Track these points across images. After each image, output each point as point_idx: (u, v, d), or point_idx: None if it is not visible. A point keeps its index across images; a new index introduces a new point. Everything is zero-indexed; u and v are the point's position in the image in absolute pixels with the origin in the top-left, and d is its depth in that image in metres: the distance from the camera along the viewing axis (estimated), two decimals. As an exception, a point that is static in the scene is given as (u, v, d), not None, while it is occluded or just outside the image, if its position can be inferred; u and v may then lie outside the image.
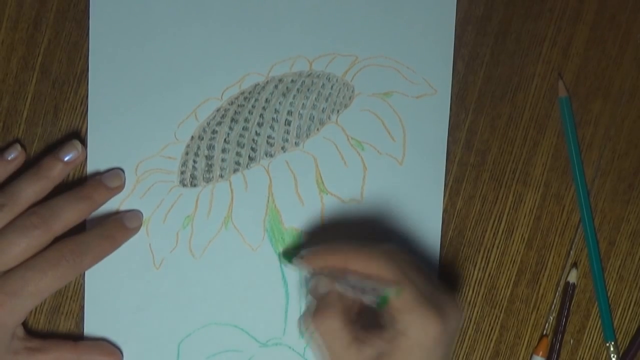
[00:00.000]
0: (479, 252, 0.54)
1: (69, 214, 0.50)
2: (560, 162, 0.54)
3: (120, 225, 0.52)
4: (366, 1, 0.53)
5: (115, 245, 0.51)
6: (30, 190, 0.50)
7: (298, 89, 0.53)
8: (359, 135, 0.53)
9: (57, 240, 0.50)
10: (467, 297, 0.54)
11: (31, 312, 0.53)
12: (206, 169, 0.53)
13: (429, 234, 0.53)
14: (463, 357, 0.54)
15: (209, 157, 0.53)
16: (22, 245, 0.48)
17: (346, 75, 0.53)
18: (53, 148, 0.52)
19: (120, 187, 0.52)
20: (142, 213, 0.53)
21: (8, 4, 0.53)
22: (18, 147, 0.52)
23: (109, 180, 0.52)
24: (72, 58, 0.53)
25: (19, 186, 0.50)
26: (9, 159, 0.51)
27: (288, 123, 0.53)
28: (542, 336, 0.54)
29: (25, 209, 0.50)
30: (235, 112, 0.53)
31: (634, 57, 0.54)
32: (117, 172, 0.52)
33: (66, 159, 0.51)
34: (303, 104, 0.53)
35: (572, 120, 0.53)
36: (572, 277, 0.53)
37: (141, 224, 0.53)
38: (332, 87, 0.53)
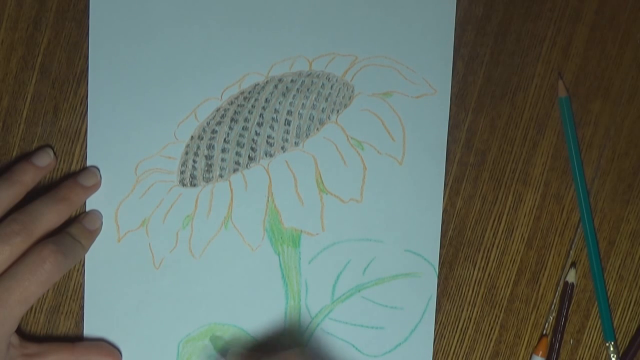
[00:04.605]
0: (479, 252, 0.54)
1: (48, 217, 0.50)
2: (560, 162, 0.54)
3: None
4: (366, 1, 0.53)
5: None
6: (4, 195, 0.49)
7: (298, 89, 0.53)
8: (358, 135, 0.53)
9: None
10: (467, 297, 0.54)
11: (30, 312, 0.53)
12: (206, 168, 0.53)
13: (429, 234, 0.53)
14: (463, 357, 0.54)
15: (208, 157, 0.53)
16: (5, 254, 0.48)
17: (346, 75, 0.53)
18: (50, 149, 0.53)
19: (97, 185, 0.52)
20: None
21: (8, 4, 0.53)
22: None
23: (85, 179, 0.52)
24: (72, 58, 0.53)
25: None
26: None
27: (288, 123, 0.53)
28: (542, 336, 0.54)
29: (1, 215, 0.49)
30: (235, 112, 0.53)
31: (634, 57, 0.54)
32: (92, 170, 0.52)
33: (39, 164, 0.51)
34: (303, 103, 0.53)
35: (572, 120, 0.53)
36: (571, 277, 0.53)
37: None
38: (331, 87, 0.53)
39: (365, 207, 0.53)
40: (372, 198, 0.53)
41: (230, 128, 0.53)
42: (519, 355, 0.54)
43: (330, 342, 0.53)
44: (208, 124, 0.53)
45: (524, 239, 0.54)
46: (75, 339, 0.53)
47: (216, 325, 0.53)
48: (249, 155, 0.53)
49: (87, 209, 0.53)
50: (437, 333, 0.54)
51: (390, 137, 0.53)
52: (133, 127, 0.53)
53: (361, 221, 0.53)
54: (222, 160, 0.53)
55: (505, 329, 0.54)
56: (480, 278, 0.54)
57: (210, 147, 0.53)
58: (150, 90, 0.53)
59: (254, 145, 0.53)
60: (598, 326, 0.54)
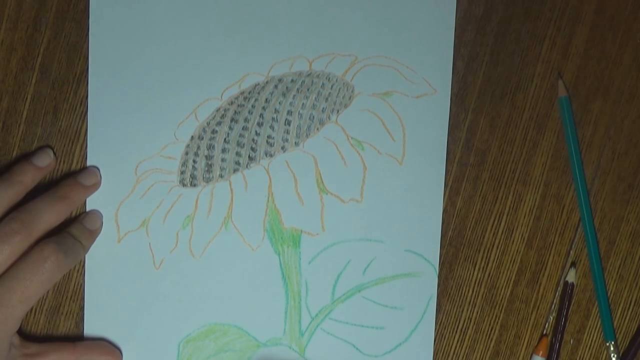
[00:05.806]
0: (479, 252, 0.54)
1: (48, 216, 0.49)
2: (560, 162, 0.54)
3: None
4: (366, 1, 0.53)
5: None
6: (4, 196, 0.49)
7: (298, 89, 0.53)
8: (358, 135, 0.53)
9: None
10: (467, 297, 0.54)
11: (30, 312, 0.53)
12: (206, 169, 0.53)
13: (429, 234, 0.53)
14: (463, 357, 0.54)
15: (208, 157, 0.53)
16: (5, 253, 0.48)
17: (346, 75, 0.53)
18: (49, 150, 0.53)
19: (97, 185, 0.52)
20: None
21: (8, 4, 0.53)
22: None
23: (85, 178, 0.52)
24: (71, 58, 0.53)
25: None
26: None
27: (288, 123, 0.53)
28: (542, 336, 0.54)
29: (1, 215, 0.49)
30: (235, 112, 0.53)
31: (634, 57, 0.54)
32: (92, 170, 0.52)
33: (39, 164, 0.51)
34: (303, 103, 0.53)
35: (571, 120, 0.53)
36: (571, 277, 0.53)
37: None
38: (332, 87, 0.53)
39: (365, 207, 0.53)
40: (372, 198, 0.53)
41: (231, 128, 0.53)
42: (519, 355, 0.54)
43: (330, 342, 0.53)
44: (208, 124, 0.53)
45: (524, 239, 0.54)
46: (76, 339, 0.53)
47: (216, 325, 0.53)
48: (249, 155, 0.53)
49: (87, 209, 0.53)
50: (437, 333, 0.54)
51: (391, 137, 0.53)
52: (133, 127, 0.53)
53: (361, 221, 0.53)
54: (222, 160, 0.53)
55: (505, 329, 0.54)
56: (480, 278, 0.54)
57: (211, 147, 0.53)
58: (150, 91, 0.53)
59: (254, 145, 0.53)
60: (598, 326, 0.54)
